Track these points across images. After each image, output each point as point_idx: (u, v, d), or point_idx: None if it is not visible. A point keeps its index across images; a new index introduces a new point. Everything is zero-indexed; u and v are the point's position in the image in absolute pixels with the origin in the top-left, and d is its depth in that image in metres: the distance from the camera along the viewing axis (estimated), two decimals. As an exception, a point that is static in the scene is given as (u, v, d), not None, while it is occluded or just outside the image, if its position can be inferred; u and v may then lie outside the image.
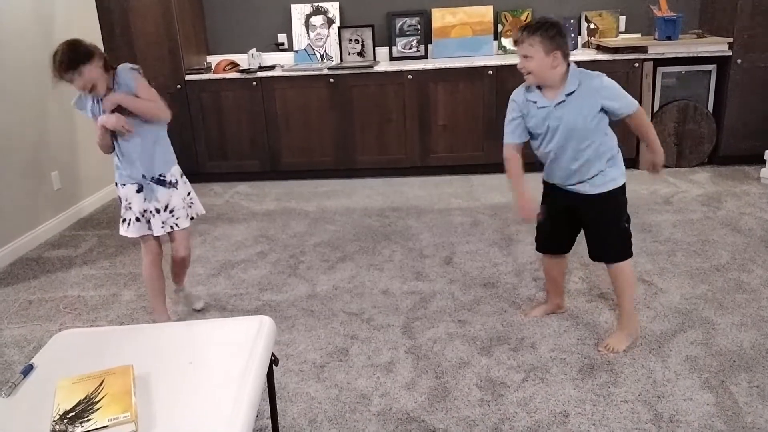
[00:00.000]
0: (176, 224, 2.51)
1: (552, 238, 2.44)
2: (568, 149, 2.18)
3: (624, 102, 2.13)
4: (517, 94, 2.23)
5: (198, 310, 2.80)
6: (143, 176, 2.43)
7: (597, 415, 1.97)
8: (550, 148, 2.21)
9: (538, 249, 2.50)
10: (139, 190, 2.44)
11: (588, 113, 2.12)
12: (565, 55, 2.10)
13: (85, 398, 1.34)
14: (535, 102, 2.17)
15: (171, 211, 2.49)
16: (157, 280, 2.57)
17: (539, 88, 2.17)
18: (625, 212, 2.26)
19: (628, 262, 2.27)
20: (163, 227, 2.48)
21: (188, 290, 2.82)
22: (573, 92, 2.11)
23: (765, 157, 4.07)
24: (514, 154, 2.28)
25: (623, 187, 2.23)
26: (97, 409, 1.30)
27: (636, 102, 2.15)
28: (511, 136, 2.26)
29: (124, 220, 2.48)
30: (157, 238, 2.51)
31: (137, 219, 2.46)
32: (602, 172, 2.19)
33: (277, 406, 1.86)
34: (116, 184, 2.48)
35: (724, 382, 2.10)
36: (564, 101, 2.12)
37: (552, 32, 2.06)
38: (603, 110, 2.13)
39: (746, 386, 2.07)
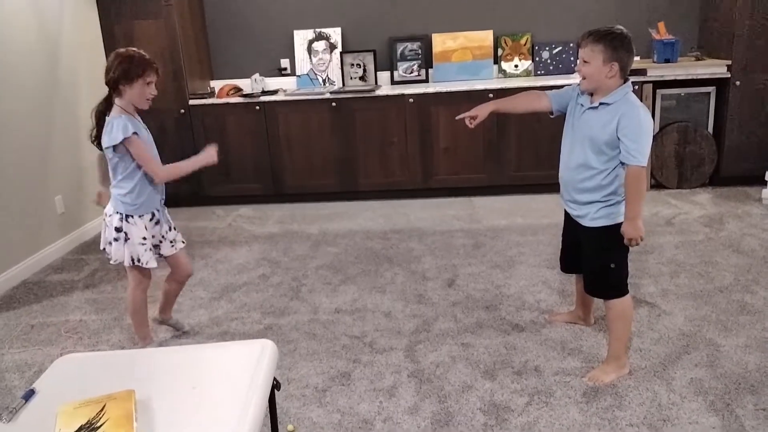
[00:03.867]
0: (181, 240, 2.62)
1: (566, 259, 2.50)
2: (578, 157, 2.18)
3: (630, 147, 2.04)
4: (574, 89, 2.26)
5: (186, 331, 2.81)
6: (161, 200, 2.51)
7: (602, 439, 1.95)
8: (565, 144, 2.27)
9: (561, 268, 2.58)
10: (151, 218, 2.47)
11: (608, 132, 2.08)
12: (623, 69, 2.07)
13: (87, 423, 1.33)
14: (582, 105, 2.20)
15: (174, 229, 2.60)
16: (146, 306, 2.64)
17: (591, 95, 2.17)
18: (616, 254, 2.19)
19: (621, 301, 2.23)
20: (172, 245, 2.57)
21: (174, 317, 2.83)
22: (608, 104, 2.09)
23: (766, 178, 4.08)
24: (542, 95, 2.35)
25: (614, 228, 2.15)
26: (98, 435, 1.29)
27: (641, 160, 2.04)
28: (553, 92, 2.34)
29: (144, 251, 2.45)
30: None
31: (151, 249, 2.49)
32: (594, 204, 2.18)
33: (279, 431, 1.84)
34: (125, 218, 2.41)
35: (730, 405, 2.08)
36: (596, 108, 2.12)
37: (616, 43, 2.04)
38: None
39: (752, 409, 2.05)
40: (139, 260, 2.45)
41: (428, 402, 2.19)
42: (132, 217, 2.42)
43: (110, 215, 2.45)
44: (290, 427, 2.09)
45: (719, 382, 2.20)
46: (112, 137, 2.28)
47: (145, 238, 2.44)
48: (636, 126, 2.04)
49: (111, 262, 2.49)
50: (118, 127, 2.27)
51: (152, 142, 2.45)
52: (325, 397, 2.26)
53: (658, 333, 2.55)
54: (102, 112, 2.37)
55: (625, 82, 2.11)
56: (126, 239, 2.43)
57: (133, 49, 2.34)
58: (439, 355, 2.49)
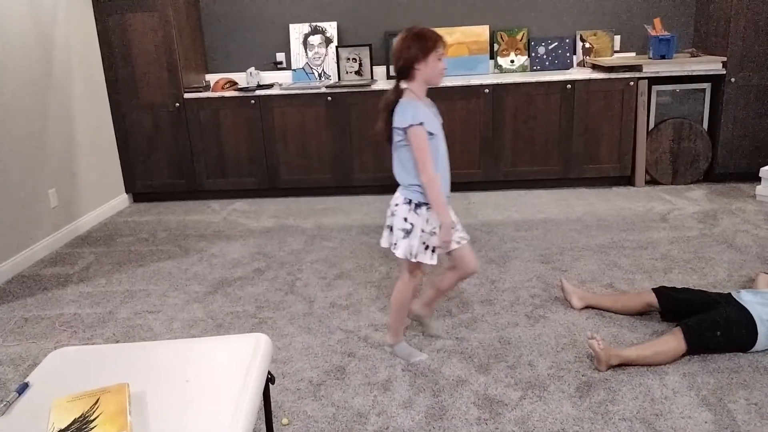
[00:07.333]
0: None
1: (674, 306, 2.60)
2: None
3: None
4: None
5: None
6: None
7: (595, 433, 1.96)
8: None
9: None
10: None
11: None
12: None
13: (81, 417, 1.33)
14: None
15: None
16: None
17: None
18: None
19: None
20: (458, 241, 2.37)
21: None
22: None
23: (760, 175, 4.10)
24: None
25: None
26: (93, 428, 1.29)
27: None
28: None
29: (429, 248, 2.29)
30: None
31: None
32: None
33: (273, 425, 1.84)
34: (414, 208, 2.23)
35: (722, 399, 2.09)
36: None
37: None
38: None
39: (744, 404, 2.06)
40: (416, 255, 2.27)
41: (422, 396, 2.20)
42: (420, 207, 2.24)
43: (397, 205, 2.26)
44: (285, 420, 2.09)
45: (712, 377, 2.22)
46: (401, 119, 2.12)
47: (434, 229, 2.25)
48: None
49: (398, 255, 2.31)
50: (407, 110, 2.12)
51: (440, 131, 2.23)
52: (320, 391, 2.26)
53: (652, 328, 2.57)
54: (394, 101, 2.18)
55: None
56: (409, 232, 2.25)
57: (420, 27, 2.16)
58: (433, 349, 2.49)
